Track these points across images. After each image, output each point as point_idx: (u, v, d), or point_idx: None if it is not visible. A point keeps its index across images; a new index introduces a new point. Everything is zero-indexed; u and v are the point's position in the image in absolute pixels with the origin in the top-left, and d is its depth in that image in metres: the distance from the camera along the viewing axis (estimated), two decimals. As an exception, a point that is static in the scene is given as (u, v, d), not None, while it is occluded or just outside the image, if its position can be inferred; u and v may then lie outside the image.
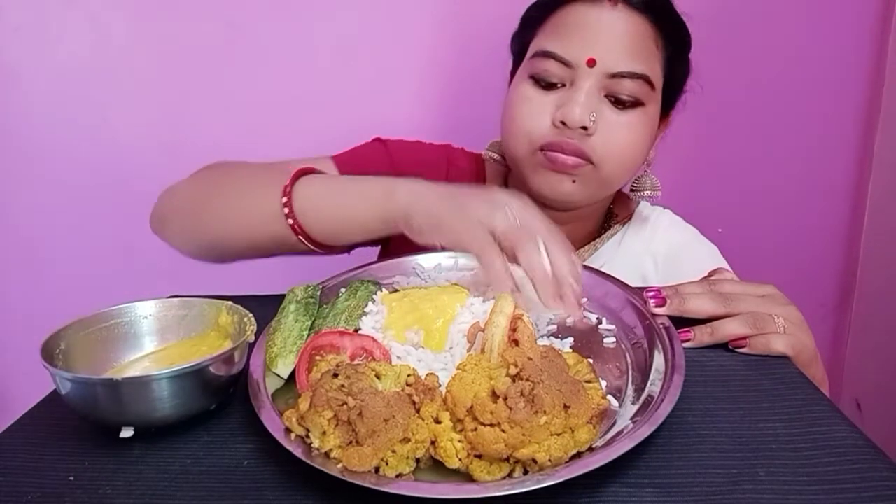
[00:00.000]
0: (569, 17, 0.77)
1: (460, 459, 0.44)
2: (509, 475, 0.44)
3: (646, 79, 0.76)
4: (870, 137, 1.31)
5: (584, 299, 0.65)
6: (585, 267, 0.71)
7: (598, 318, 0.64)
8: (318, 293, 0.65)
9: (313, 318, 0.61)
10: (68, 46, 1.23)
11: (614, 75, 0.75)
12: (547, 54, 0.77)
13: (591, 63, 0.74)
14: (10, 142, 1.28)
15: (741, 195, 1.36)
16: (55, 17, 1.21)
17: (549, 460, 0.42)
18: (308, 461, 0.43)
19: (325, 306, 0.64)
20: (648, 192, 0.87)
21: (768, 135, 1.32)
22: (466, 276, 0.68)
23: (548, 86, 0.78)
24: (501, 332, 0.51)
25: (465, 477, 0.44)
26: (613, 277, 0.68)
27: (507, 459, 0.44)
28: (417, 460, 0.45)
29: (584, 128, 0.74)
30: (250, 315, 0.56)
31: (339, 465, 0.43)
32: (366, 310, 0.61)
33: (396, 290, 0.66)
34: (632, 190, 0.88)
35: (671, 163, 1.27)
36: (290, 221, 0.68)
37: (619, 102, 0.76)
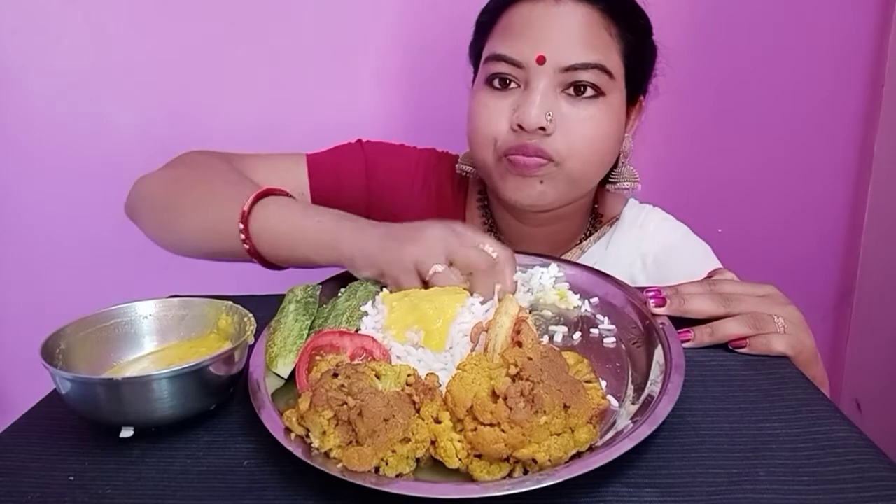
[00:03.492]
0: (515, 17, 0.77)
1: (460, 459, 0.44)
2: (509, 475, 0.44)
3: (601, 67, 0.74)
4: (870, 137, 1.31)
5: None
6: (586, 267, 0.71)
7: (591, 314, 0.64)
8: (318, 293, 0.65)
9: (313, 318, 0.61)
10: (68, 46, 1.23)
11: (567, 69, 0.73)
12: (498, 57, 0.76)
13: (541, 60, 0.73)
14: (10, 142, 1.28)
15: (740, 195, 1.36)
16: (55, 17, 1.21)
17: (549, 460, 0.42)
18: (308, 461, 0.43)
19: (324, 306, 0.64)
20: (627, 183, 0.85)
21: (768, 134, 1.32)
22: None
23: (503, 89, 0.77)
24: (505, 333, 0.51)
25: (465, 477, 0.44)
26: (613, 278, 0.69)
27: (507, 459, 0.44)
28: (417, 460, 0.45)
29: (542, 128, 0.73)
30: (250, 315, 0.56)
31: (339, 465, 0.43)
32: (366, 310, 0.61)
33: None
34: (609, 182, 0.86)
35: (670, 163, 1.27)
36: (253, 257, 0.70)
37: (576, 96, 0.75)
